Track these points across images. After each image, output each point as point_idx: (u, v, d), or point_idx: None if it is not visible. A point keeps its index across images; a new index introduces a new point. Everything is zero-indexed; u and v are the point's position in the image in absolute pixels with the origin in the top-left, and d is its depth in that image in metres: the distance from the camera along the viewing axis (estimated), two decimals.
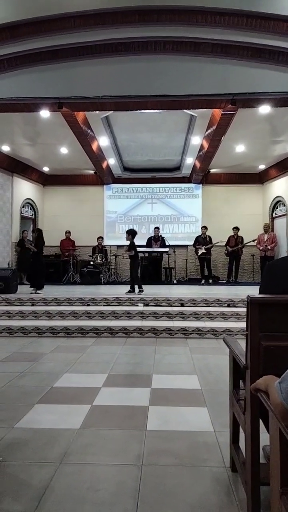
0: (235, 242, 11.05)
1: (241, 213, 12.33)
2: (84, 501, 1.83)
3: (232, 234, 11.13)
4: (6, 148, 9.96)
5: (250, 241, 10.79)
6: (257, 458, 1.68)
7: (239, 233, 11.10)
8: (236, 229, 11.10)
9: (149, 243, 11.10)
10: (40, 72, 6.49)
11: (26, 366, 4.13)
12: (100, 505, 1.80)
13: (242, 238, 11.03)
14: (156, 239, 11.17)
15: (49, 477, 2.02)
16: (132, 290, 7.71)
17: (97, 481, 1.99)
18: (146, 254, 10.98)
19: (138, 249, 8.39)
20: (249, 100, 6.61)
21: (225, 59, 6.36)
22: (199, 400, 3.17)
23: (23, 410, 2.93)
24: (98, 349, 5.03)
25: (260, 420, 1.71)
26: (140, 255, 9.58)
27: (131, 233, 8.05)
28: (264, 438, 1.72)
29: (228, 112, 7.20)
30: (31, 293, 7.63)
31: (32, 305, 6.99)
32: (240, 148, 9.85)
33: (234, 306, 6.71)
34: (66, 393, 3.34)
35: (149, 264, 10.99)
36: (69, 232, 12.27)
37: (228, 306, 6.75)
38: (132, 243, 7.94)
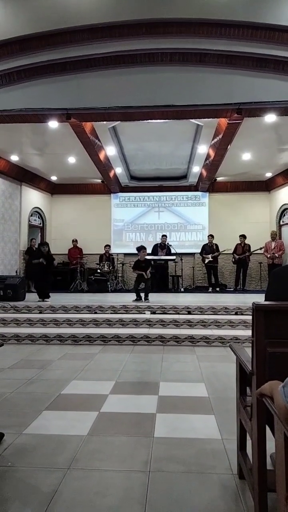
0: (242, 250, 11.05)
1: (248, 221, 12.34)
2: (92, 506, 1.85)
3: (239, 242, 11.14)
4: (15, 158, 10.13)
5: (257, 249, 10.79)
6: (264, 464, 1.69)
7: (246, 241, 11.10)
8: (243, 237, 11.10)
9: (154, 251, 11.11)
10: (49, 84, 6.64)
11: (34, 373, 4.17)
12: (108, 510, 1.82)
13: (249, 246, 11.02)
14: (163, 246, 11.20)
15: (57, 482, 2.05)
16: (139, 298, 7.73)
17: (105, 487, 2.01)
18: (152, 262, 10.99)
19: (147, 257, 8.42)
20: (255, 109, 6.67)
21: (231, 69, 6.45)
22: (207, 407, 3.17)
23: (31, 416, 2.95)
24: (106, 356, 5.05)
25: (268, 428, 1.72)
26: None
27: (145, 249, 8.15)
28: (272, 446, 1.73)
29: (234, 121, 7.26)
30: (39, 301, 7.70)
31: (40, 312, 7.04)
32: (246, 156, 9.90)
33: (242, 314, 6.70)
34: (74, 400, 3.36)
35: (155, 272, 11.01)
36: (76, 241, 12.37)
37: (236, 314, 6.74)
38: (147, 259, 8.02)
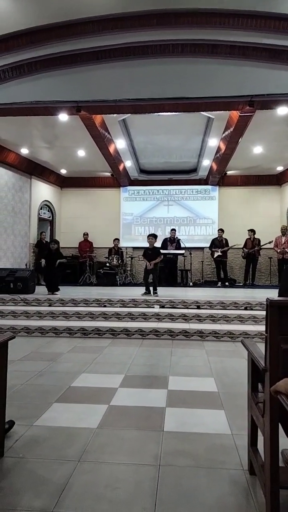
0: (252, 244, 10.95)
1: (259, 215, 12.22)
2: (102, 499, 1.86)
3: (248, 236, 11.03)
4: (25, 151, 10.14)
5: (266, 243, 10.68)
6: (276, 461, 1.68)
7: (256, 236, 10.99)
8: (252, 231, 10.98)
9: (164, 245, 11.06)
10: (59, 76, 6.60)
11: (44, 366, 4.20)
12: (118, 504, 1.83)
13: (259, 240, 10.92)
14: (172, 240, 11.16)
15: (68, 474, 2.06)
16: (148, 292, 7.72)
17: (115, 480, 2.02)
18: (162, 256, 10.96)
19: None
20: (267, 102, 6.56)
21: (243, 60, 6.34)
22: (216, 402, 3.16)
23: (42, 408, 2.98)
24: (115, 350, 5.06)
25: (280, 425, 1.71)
26: None
27: (156, 237, 8.12)
28: (283, 442, 1.71)
29: (246, 114, 7.16)
30: (48, 294, 7.75)
31: (50, 305, 7.08)
32: (257, 149, 9.78)
33: (251, 309, 6.66)
34: (83, 392, 3.38)
35: (164, 266, 10.98)
36: (87, 234, 12.39)
37: (245, 309, 6.70)
38: (155, 247, 7.96)
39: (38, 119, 7.87)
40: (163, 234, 12.24)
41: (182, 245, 11.09)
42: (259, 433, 2.08)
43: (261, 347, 2.13)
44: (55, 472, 2.09)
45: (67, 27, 6.14)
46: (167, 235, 11.55)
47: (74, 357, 4.68)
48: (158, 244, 10.65)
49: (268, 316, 1.69)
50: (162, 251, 10.52)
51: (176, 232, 11.51)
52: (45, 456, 2.26)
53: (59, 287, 8.16)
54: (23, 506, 1.80)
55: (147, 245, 8.10)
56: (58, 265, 8.09)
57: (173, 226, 12.35)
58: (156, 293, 7.63)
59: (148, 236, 8.06)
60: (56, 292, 7.91)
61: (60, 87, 6.60)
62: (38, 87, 6.64)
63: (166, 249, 10.94)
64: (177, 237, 11.25)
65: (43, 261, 8.07)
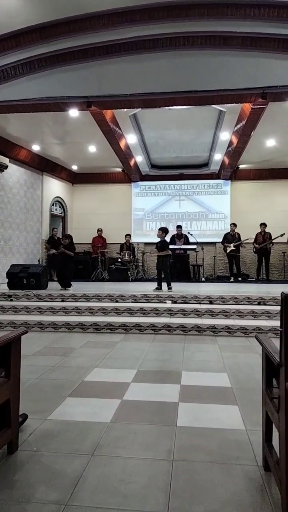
0: (263, 238, 10.81)
1: (272, 209, 12.07)
2: (116, 492, 1.86)
3: (259, 231, 10.89)
4: (36, 148, 10.19)
5: (278, 236, 10.51)
6: None
7: (270, 230, 10.85)
8: (263, 225, 10.85)
9: (172, 241, 11.06)
10: (69, 71, 6.60)
11: (57, 360, 4.23)
12: (132, 497, 1.82)
13: (270, 234, 10.78)
14: (179, 236, 11.13)
15: (82, 468, 2.07)
16: (159, 288, 7.70)
17: (128, 474, 2.01)
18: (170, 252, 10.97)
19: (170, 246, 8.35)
20: (280, 94, 6.44)
21: (256, 52, 6.24)
22: (230, 398, 3.14)
23: (55, 402, 3.00)
24: (127, 345, 5.07)
25: None
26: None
27: (165, 231, 8.06)
28: None
29: (258, 106, 7.05)
30: (61, 289, 7.80)
31: (62, 301, 7.13)
32: (270, 142, 9.64)
33: (265, 304, 6.59)
34: (96, 387, 3.39)
35: (176, 261, 10.95)
36: (101, 230, 12.42)
37: (259, 304, 6.63)
38: (165, 240, 7.94)
39: (49, 115, 7.88)
40: (174, 229, 12.19)
41: (193, 240, 11.05)
42: (274, 428, 2.06)
43: (275, 342, 2.10)
44: (69, 465, 2.10)
45: (77, 21, 6.13)
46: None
47: (87, 352, 4.70)
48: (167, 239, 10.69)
49: (284, 311, 1.66)
50: (173, 246, 10.55)
51: (183, 228, 11.48)
52: (59, 450, 2.27)
53: (72, 283, 8.20)
54: (38, 499, 1.81)
55: (158, 240, 8.06)
56: (71, 260, 8.11)
57: (184, 221, 12.34)
58: (170, 288, 7.59)
59: (158, 230, 8.07)
60: (69, 288, 7.96)
61: (71, 83, 6.60)
62: (49, 83, 6.65)
63: (175, 245, 10.94)
64: (184, 233, 11.22)
65: (52, 251, 8.07)
